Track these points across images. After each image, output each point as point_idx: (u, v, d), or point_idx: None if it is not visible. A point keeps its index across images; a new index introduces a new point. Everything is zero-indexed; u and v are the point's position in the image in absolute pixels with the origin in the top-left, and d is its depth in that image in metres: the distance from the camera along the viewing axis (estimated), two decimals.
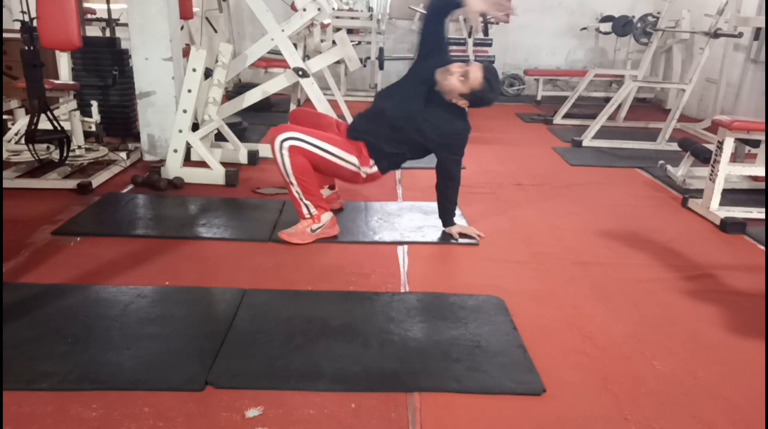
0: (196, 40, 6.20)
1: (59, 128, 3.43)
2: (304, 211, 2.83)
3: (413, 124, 2.78)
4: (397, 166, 3.01)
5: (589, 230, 3.18)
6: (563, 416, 1.71)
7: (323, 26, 5.62)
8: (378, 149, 2.84)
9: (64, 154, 3.51)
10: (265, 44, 4.06)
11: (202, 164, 3.75)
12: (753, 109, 5.76)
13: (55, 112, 3.53)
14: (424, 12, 2.89)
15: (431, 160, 2.91)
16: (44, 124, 3.42)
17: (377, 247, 2.85)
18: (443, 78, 2.69)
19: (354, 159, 2.81)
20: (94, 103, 4.04)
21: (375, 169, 2.87)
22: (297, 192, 2.79)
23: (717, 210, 3.34)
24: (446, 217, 2.98)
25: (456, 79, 2.67)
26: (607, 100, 6.22)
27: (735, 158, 3.91)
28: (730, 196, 3.59)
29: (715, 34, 4.94)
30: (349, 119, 3.16)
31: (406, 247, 2.86)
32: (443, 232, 3.00)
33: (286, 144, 2.68)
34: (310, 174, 2.76)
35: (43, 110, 3.35)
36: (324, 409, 1.69)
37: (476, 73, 2.67)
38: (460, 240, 2.92)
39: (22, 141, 3.67)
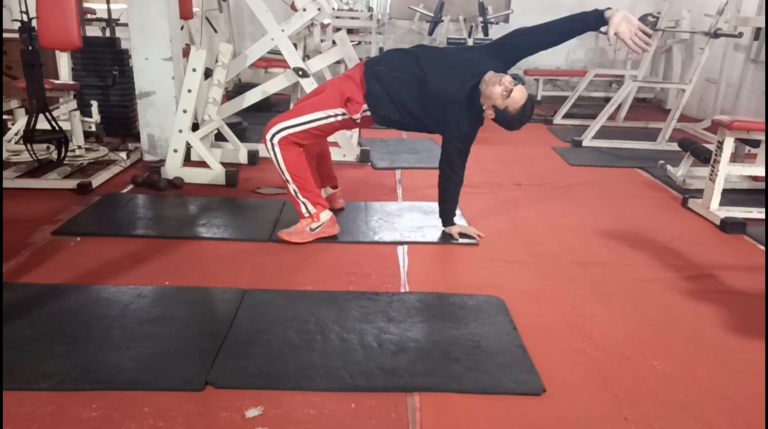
0: (196, 40, 6.20)
1: (57, 128, 3.43)
2: (303, 209, 2.83)
3: (446, 110, 2.66)
4: (389, 125, 2.88)
5: (589, 230, 3.18)
6: (563, 416, 1.71)
7: (323, 26, 5.62)
8: (379, 106, 2.72)
9: (63, 154, 3.51)
10: (265, 44, 4.05)
11: (202, 164, 3.75)
12: (753, 109, 5.76)
13: (55, 112, 3.53)
14: (547, 26, 2.64)
15: (431, 160, 2.91)
16: (44, 124, 3.43)
17: (377, 247, 2.85)
18: (492, 83, 2.54)
19: (339, 110, 2.73)
20: (94, 103, 4.04)
21: (368, 113, 2.76)
22: (294, 190, 2.80)
23: (717, 210, 3.34)
24: (447, 216, 2.97)
25: (500, 91, 2.53)
26: (607, 100, 6.22)
27: (735, 158, 3.91)
28: (730, 196, 3.59)
29: (715, 34, 4.95)
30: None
31: (406, 247, 2.86)
32: (443, 232, 3.00)
33: (275, 139, 2.72)
34: (304, 169, 2.78)
35: (41, 110, 3.35)
36: (324, 409, 1.69)
37: (519, 97, 2.55)
38: (460, 240, 2.92)
39: (22, 141, 3.67)
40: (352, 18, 7.07)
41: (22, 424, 1.59)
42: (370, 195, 3.61)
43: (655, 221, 3.36)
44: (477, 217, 3.26)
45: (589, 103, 7.04)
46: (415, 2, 7.59)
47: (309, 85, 4.05)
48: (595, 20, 2.52)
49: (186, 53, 4.04)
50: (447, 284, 2.50)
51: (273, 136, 2.72)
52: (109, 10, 5.06)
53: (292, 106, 5.50)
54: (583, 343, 2.08)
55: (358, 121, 2.79)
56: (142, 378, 1.78)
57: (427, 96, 2.65)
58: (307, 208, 2.83)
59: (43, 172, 3.63)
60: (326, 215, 2.87)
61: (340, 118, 2.76)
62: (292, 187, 2.80)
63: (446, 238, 2.96)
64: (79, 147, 3.87)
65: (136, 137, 4.31)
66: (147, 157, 4.21)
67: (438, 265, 2.73)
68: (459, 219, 3.13)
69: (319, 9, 3.93)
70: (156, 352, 1.91)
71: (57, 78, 4.23)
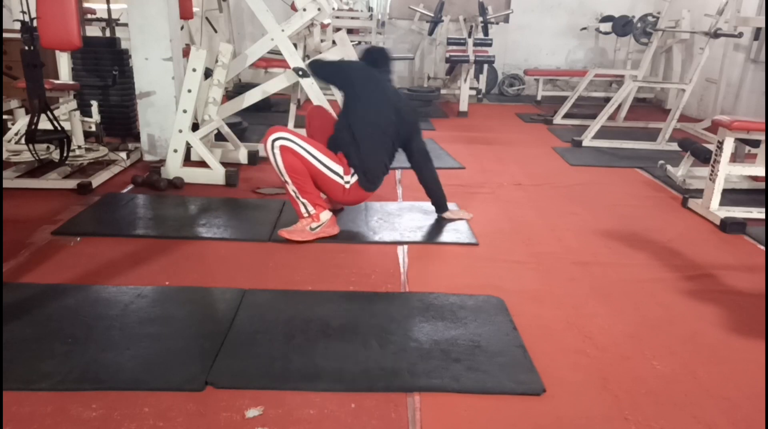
0: (196, 40, 6.19)
1: (59, 128, 3.43)
2: (302, 209, 2.84)
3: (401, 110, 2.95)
4: (374, 182, 2.98)
5: (589, 230, 3.18)
6: (563, 416, 1.71)
7: (323, 26, 5.61)
8: (354, 161, 2.89)
9: (65, 154, 3.51)
10: (265, 44, 4.05)
11: (202, 164, 3.75)
12: (753, 109, 5.76)
13: (55, 112, 3.53)
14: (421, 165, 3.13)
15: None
16: (45, 124, 3.42)
17: (377, 247, 2.85)
18: None
19: (339, 168, 2.86)
20: (94, 103, 4.04)
21: (355, 178, 2.88)
22: (293, 191, 2.81)
23: (717, 210, 3.34)
24: (442, 201, 3.16)
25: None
26: (607, 100, 6.22)
27: (735, 158, 3.91)
28: (730, 196, 3.59)
29: (715, 34, 4.95)
30: None
31: (406, 247, 2.86)
32: (442, 229, 3.01)
33: (278, 143, 2.74)
34: (303, 172, 2.79)
35: (43, 110, 3.35)
36: (324, 409, 1.69)
37: None
38: (461, 239, 2.93)
39: (23, 141, 3.67)
40: (352, 18, 7.07)
41: (22, 424, 1.59)
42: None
43: (655, 221, 3.36)
44: (477, 217, 3.25)
45: (589, 103, 7.04)
46: (415, 2, 7.58)
47: (309, 85, 4.05)
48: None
49: (186, 53, 4.04)
50: (447, 284, 2.50)
51: (276, 139, 2.74)
52: (109, 10, 5.06)
53: (292, 106, 5.51)
54: (583, 343, 2.08)
55: (347, 187, 2.88)
56: (142, 378, 1.78)
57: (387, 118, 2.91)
58: (306, 208, 2.84)
59: (43, 172, 3.63)
60: (326, 215, 2.88)
61: (337, 178, 2.85)
62: (291, 187, 2.81)
63: (446, 238, 2.96)
64: (79, 147, 3.87)
65: (136, 137, 4.31)
66: (147, 157, 4.21)
67: (438, 265, 2.73)
68: (451, 205, 3.25)
69: (319, 9, 3.93)
70: (156, 352, 1.91)
71: (57, 78, 4.23)
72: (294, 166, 2.76)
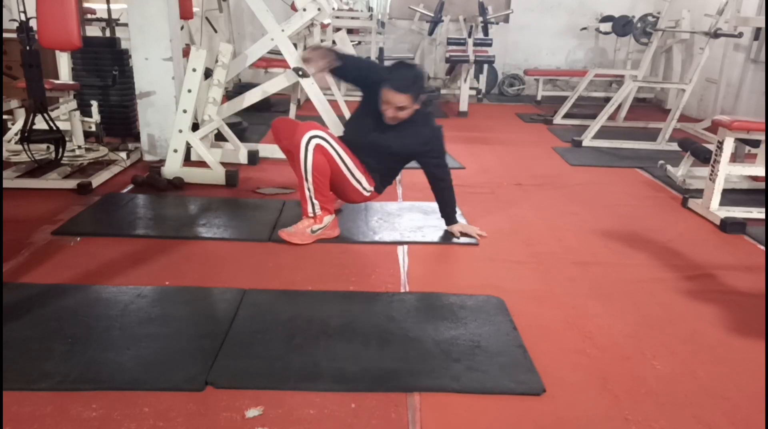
0: (196, 40, 6.19)
1: (55, 128, 3.42)
2: (309, 209, 2.82)
3: (384, 150, 2.87)
4: (388, 182, 3.07)
5: (589, 230, 3.18)
6: (563, 416, 1.71)
7: (323, 26, 5.62)
8: (369, 166, 2.92)
9: (60, 155, 3.51)
10: (265, 44, 4.05)
11: (202, 164, 3.75)
12: (753, 109, 5.76)
13: (56, 112, 3.54)
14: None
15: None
16: (43, 124, 3.43)
17: (377, 247, 2.85)
18: (386, 113, 2.76)
19: (363, 179, 2.89)
20: (94, 103, 4.04)
21: (373, 187, 2.97)
22: (309, 189, 2.79)
23: (717, 210, 3.34)
24: (447, 216, 3.02)
25: (392, 113, 2.74)
26: (607, 100, 6.22)
27: (735, 158, 3.91)
28: (730, 196, 3.59)
29: (715, 34, 4.95)
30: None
31: (406, 247, 2.86)
32: (444, 231, 3.00)
33: (314, 141, 2.71)
34: (326, 175, 2.78)
35: (38, 110, 3.34)
36: (324, 409, 1.69)
37: (390, 96, 2.69)
38: (461, 239, 2.92)
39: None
40: (352, 18, 7.07)
41: (22, 424, 1.59)
42: None
43: (655, 221, 3.36)
44: (477, 217, 3.26)
45: (589, 103, 7.04)
46: (415, 2, 7.59)
47: (309, 85, 4.05)
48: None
49: (186, 53, 4.04)
50: (447, 284, 2.50)
51: (314, 136, 2.70)
52: (109, 10, 5.05)
53: (292, 106, 5.52)
54: (583, 343, 2.08)
55: (368, 195, 2.97)
56: (142, 378, 1.78)
57: (374, 151, 2.88)
58: (314, 208, 2.82)
59: (43, 172, 3.63)
60: (329, 218, 2.88)
61: (359, 187, 2.90)
62: (308, 185, 2.78)
63: (446, 238, 2.96)
64: (79, 147, 3.87)
65: (136, 137, 4.31)
66: (147, 157, 4.21)
67: (438, 265, 2.73)
68: (459, 218, 3.13)
69: (319, 9, 3.93)
70: (156, 352, 1.91)
71: (57, 78, 4.23)
72: (321, 168, 2.74)
